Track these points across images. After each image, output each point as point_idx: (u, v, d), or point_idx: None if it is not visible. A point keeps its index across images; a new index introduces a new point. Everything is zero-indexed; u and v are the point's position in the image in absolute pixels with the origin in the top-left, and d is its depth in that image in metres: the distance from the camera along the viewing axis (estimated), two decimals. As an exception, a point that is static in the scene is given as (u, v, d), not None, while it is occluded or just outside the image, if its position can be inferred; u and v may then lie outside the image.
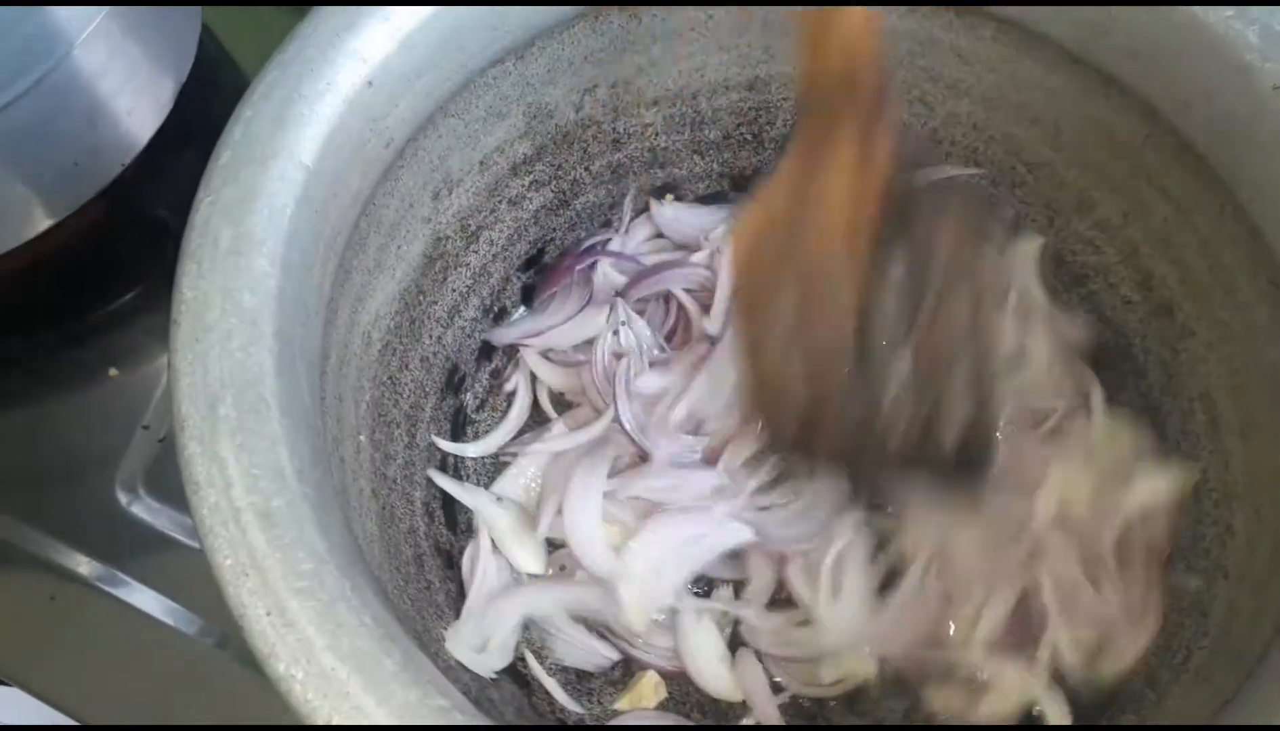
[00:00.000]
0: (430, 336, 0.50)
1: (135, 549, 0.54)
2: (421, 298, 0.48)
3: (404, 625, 0.32)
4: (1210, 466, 0.44)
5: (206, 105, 0.61)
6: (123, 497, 0.55)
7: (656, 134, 0.54)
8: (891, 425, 0.40)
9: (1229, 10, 0.39)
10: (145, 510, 0.55)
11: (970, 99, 0.49)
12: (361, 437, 0.43)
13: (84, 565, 0.53)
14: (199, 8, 0.61)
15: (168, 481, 0.55)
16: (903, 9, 0.46)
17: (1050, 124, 0.47)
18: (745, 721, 0.47)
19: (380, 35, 0.39)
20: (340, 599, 0.30)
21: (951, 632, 0.46)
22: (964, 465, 0.41)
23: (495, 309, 0.54)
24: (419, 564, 0.46)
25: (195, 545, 0.53)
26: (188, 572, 0.53)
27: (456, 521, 0.50)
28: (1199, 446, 0.45)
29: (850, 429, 0.40)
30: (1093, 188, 0.47)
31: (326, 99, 0.38)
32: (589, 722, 0.47)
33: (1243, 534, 0.41)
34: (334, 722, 0.28)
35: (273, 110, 0.37)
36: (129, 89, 0.54)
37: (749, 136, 0.54)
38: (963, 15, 0.45)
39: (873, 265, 0.38)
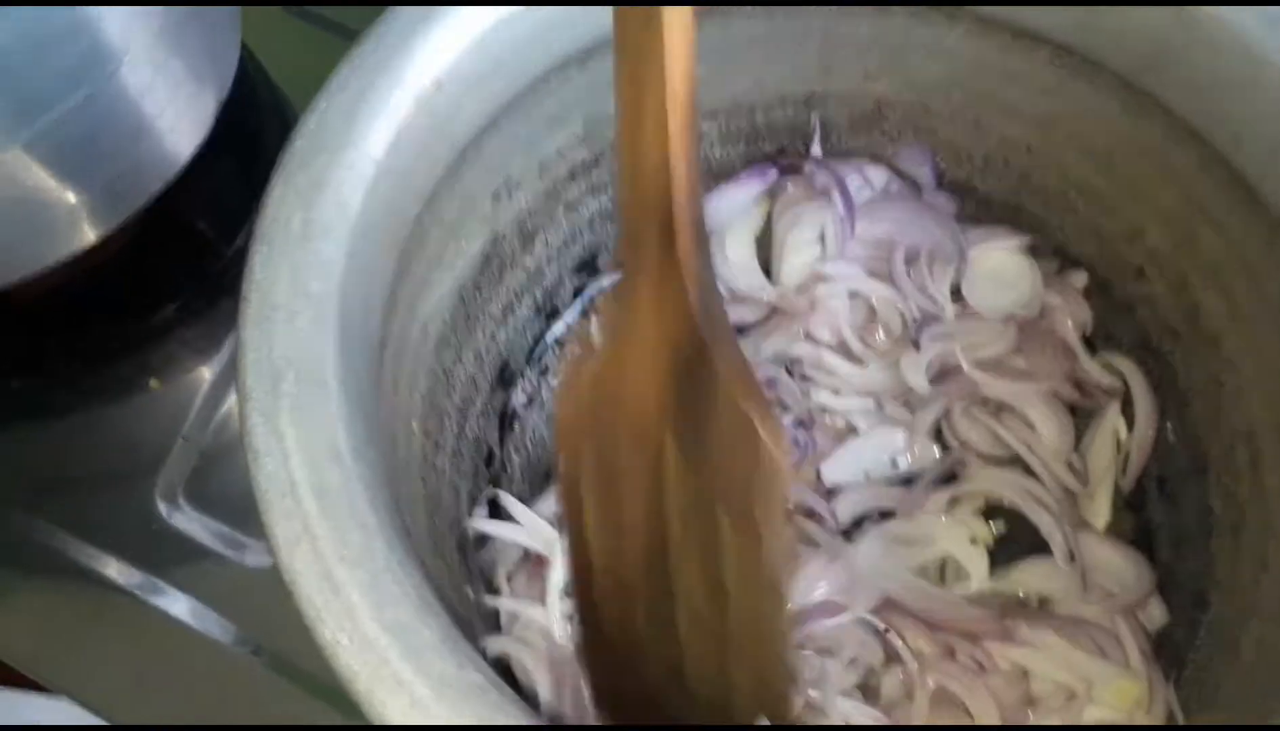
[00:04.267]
0: (484, 332, 0.51)
1: (174, 557, 0.55)
2: (478, 294, 0.50)
3: (444, 605, 0.34)
4: (1249, 504, 0.44)
5: (246, 123, 0.63)
6: (162, 507, 0.56)
7: (712, 145, 0.55)
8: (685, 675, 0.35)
9: (1287, 45, 0.39)
10: (184, 519, 0.56)
11: (1024, 123, 0.49)
12: (414, 425, 0.45)
13: (123, 573, 0.55)
14: (239, 34, 0.62)
15: (207, 492, 0.56)
16: (961, 32, 0.47)
17: (1103, 151, 0.47)
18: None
19: (451, 38, 0.40)
20: (386, 570, 0.31)
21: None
22: None
23: (548, 309, 0.55)
24: (462, 553, 0.47)
25: (232, 555, 0.55)
26: (225, 581, 0.54)
27: (500, 516, 0.51)
28: (1239, 481, 0.45)
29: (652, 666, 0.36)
30: (1143, 216, 0.48)
31: (397, 96, 0.39)
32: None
33: (1276, 569, 0.41)
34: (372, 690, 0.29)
35: (346, 103, 0.39)
36: (172, 107, 0.56)
37: (803, 150, 0.55)
38: (1019, 38, 0.46)
39: (662, 458, 0.32)
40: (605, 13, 0.44)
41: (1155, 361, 0.50)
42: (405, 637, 0.30)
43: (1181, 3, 0.40)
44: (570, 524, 0.37)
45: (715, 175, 0.56)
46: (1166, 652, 0.45)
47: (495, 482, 0.52)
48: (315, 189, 0.37)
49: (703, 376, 0.31)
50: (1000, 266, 0.54)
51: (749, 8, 0.48)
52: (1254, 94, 0.39)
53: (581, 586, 0.37)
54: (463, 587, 0.46)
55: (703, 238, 0.31)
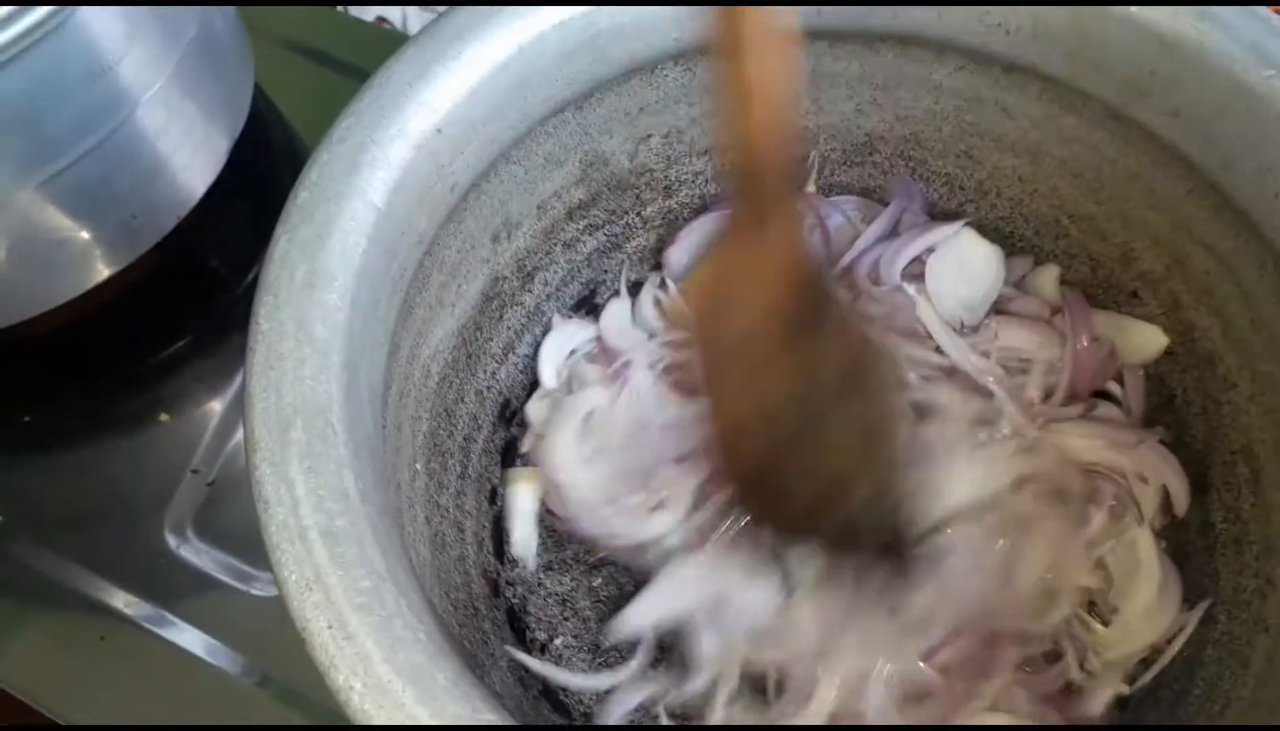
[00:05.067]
0: (485, 371, 0.52)
1: (183, 590, 0.55)
2: (479, 334, 0.50)
3: (453, 646, 0.34)
4: (1252, 519, 0.45)
5: (258, 162, 0.63)
6: (171, 540, 0.56)
7: (707, 182, 0.55)
8: (812, 507, 0.41)
9: (1269, 70, 0.40)
10: (193, 552, 0.56)
11: (1015, 153, 0.50)
12: (417, 466, 0.45)
13: (133, 605, 0.55)
14: (252, 75, 0.63)
15: (216, 524, 0.56)
16: (950, 67, 0.48)
17: (1093, 178, 0.48)
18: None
19: (450, 86, 0.41)
20: (397, 615, 0.31)
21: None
22: (884, 563, 0.42)
23: (547, 347, 0.56)
24: (467, 590, 0.47)
25: (241, 587, 0.55)
26: (232, 613, 0.54)
27: (504, 551, 0.51)
28: (1240, 499, 0.45)
29: (785, 501, 0.42)
30: (1135, 240, 0.48)
31: (397, 144, 0.40)
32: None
33: (1284, 586, 0.42)
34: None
35: (347, 154, 0.39)
36: (186, 147, 0.56)
37: (796, 185, 0.56)
38: (1009, 72, 0.47)
39: (783, 353, 0.39)
40: (598, 59, 0.46)
41: (1152, 383, 0.50)
42: (419, 681, 0.30)
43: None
44: (712, 401, 0.43)
45: (710, 210, 0.57)
46: (1175, 671, 0.45)
47: (498, 520, 0.52)
48: (318, 239, 0.38)
49: (812, 300, 0.39)
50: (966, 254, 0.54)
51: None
52: (1240, 119, 0.40)
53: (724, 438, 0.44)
54: (469, 624, 0.46)
55: (793, 205, 0.38)
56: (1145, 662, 0.46)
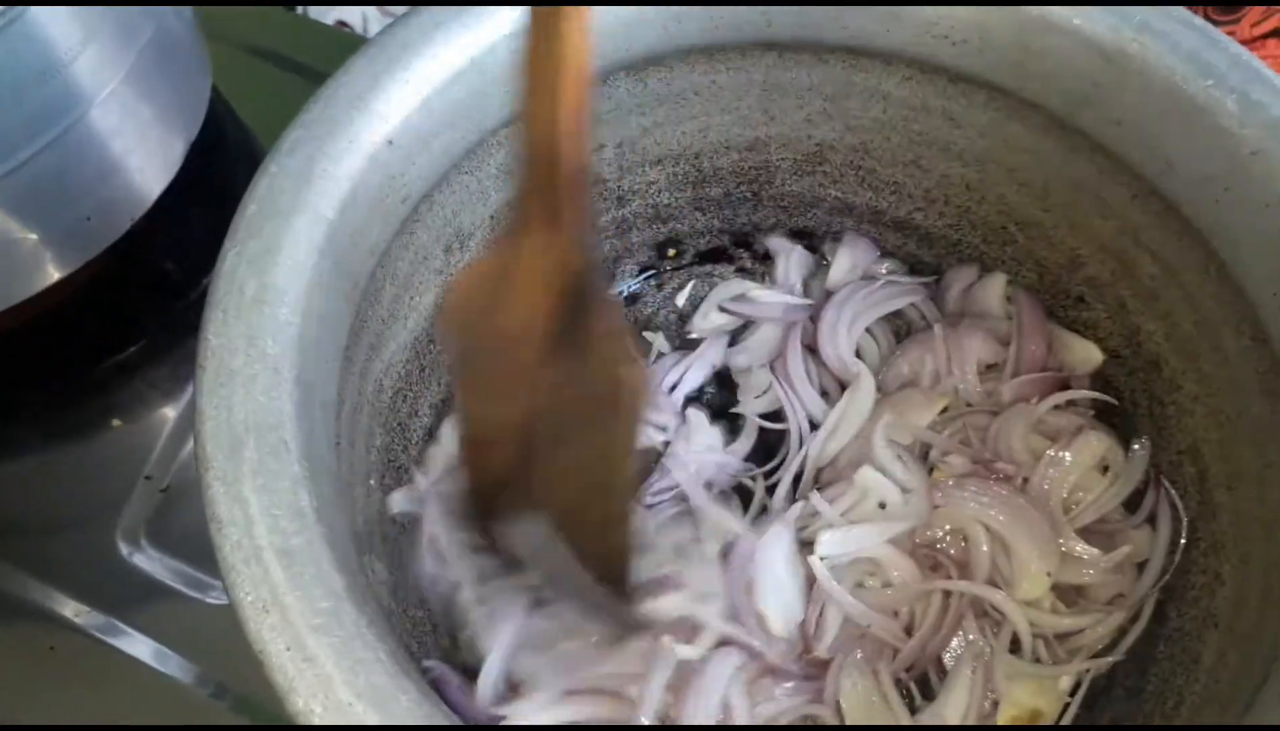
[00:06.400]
0: (439, 384, 0.51)
1: (135, 598, 0.54)
2: (432, 346, 0.49)
3: (414, 665, 0.33)
4: (1199, 517, 0.46)
5: (214, 164, 0.63)
6: (124, 548, 0.55)
7: (660, 191, 0.55)
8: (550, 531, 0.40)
9: (1208, 80, 0.41)
10: (146, 560, 0.55)
11: (962, 161, 0.51)
12: (371, 482, 0.44)
13: (84, 615, 0.53)
14: (209, 76, 0.63)
15: (169, 531, 0.55)
16: (898, 77, 0.49)
17: (1039, 186, 0.49)
18: None
19: (401, 96, 0.41)
20: (356, 635, 0.31)
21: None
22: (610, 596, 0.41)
23: (502, 359, 0.55)
24: (424, 608, 0.47)
25: (195, 595, 0.54)
26: (186, 622, 0.53)
27: (462, 567, 0.51)
28: (1187, 497, 0.46)
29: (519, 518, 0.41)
30: (1081, 247, 0.49)
31: (349, 156, 0.40)
32: None
33: (1231, 583, 0.42)
34: (350, 756, 0.29)
35: (297, 166, 0.39)
36: (140, 148, 0.55)
37: (748, 194, 0.56)
38: (956, 82, 0.48)
39: (541, 362, 0.37)
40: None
41: (1099, 385, 0.51)
42: (382, 704, 0.29)
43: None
44: (460, 395, 0.42)
45: (663, 219, 0.57)
46: (1128, 668, 0.46)
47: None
48: (268, 254, 0.37)
49: (579, 312, 0.36)
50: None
51: (691, 58, 0.49)
52: (1181, 127, 0.41)
53: (469, 446, 0.43)
54: (427, 640, 0.46)
55: (584, 205, 0.35)
56: (1100, 654, 0.47)
